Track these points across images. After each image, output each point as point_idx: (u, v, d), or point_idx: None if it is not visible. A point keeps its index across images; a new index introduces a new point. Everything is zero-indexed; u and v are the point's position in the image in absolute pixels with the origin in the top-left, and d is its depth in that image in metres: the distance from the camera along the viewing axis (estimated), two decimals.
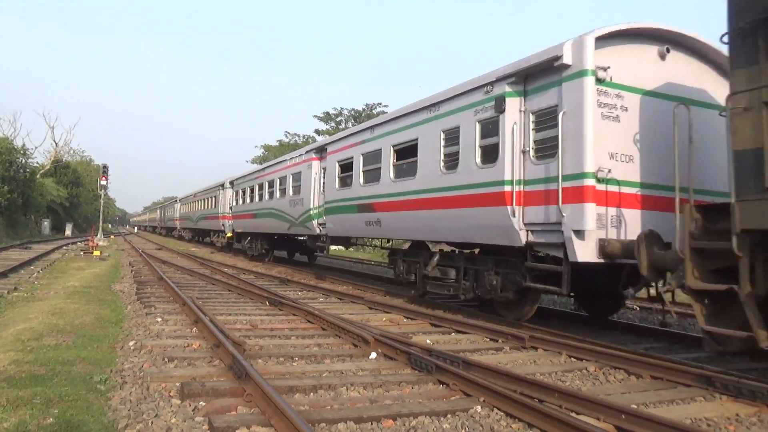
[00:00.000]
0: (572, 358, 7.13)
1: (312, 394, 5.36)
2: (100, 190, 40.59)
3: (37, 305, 10.00)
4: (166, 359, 6.34)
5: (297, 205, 18.29)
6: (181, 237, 50.47)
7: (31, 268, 17.82)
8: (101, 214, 44.25)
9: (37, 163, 58.21)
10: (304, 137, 57.04)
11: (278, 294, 11.73)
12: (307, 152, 18.18)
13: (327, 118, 52.91)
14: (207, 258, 24.76)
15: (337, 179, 15.23)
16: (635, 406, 4.94)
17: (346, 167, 14.73)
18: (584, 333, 8.75)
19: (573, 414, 4.67)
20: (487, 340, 8.25)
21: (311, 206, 16.97)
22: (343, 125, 50.39)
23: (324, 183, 16.37)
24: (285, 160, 20.83)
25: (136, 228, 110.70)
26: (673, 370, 6.16)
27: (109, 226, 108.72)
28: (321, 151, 16.94)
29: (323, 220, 16.17)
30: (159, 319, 8.93)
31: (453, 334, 8.75)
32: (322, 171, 16.76)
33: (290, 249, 25.36)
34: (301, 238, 21.48)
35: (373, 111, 48.58)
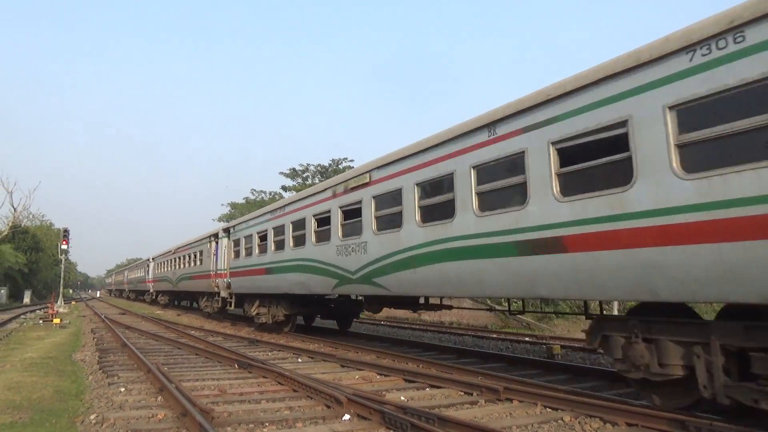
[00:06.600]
0: (548, 409, 7.08)
1: None
2: (61, 255, 39.39)
3: None
4: None
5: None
6: (154, 302, 43.74)
7: None
8: (62, 280, 42.92)
9: None
10: (270, 194, 56.97)
11: (247, 356, 11.43)
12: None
13: (293, 174, 53.05)
14: (173, 321, 24.08)
15: None
16: None
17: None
18: (559, 382, 8.72)
19: None
20: (462, 393, 8.14)
21: None
22: (309, 181, 50.54)
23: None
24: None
25: (99, 292, 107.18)
26: (647, 416, 6.16)
27: (71, 291, 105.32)
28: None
29: None
30: (122, 389, 8.57)
31: (427, 389, 8.61)
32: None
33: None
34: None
35: (339, 166, 48.89)
